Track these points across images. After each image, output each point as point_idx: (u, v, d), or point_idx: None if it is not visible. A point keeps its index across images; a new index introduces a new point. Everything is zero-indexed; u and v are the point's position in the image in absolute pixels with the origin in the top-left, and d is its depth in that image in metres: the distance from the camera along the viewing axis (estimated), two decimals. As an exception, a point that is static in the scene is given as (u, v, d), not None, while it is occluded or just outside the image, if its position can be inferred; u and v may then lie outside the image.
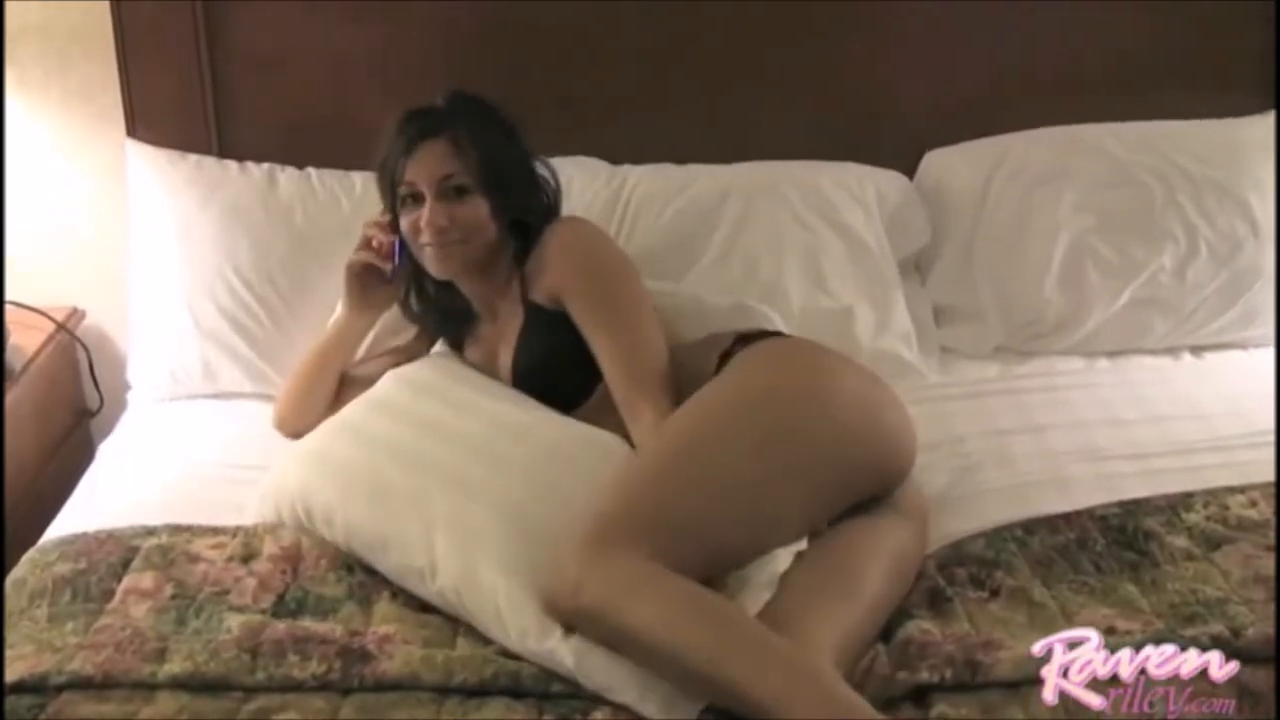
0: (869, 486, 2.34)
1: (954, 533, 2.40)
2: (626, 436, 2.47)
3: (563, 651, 2.02)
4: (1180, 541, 2.30)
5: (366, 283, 2.73)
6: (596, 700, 1.99)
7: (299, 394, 2.76)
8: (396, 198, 2.60)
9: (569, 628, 2.05)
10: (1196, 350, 3.12)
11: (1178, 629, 2.06)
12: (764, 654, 1.95)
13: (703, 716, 1.98)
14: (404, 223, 2.60)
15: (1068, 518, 2.39)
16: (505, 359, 2.63)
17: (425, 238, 2.56)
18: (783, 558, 2.19)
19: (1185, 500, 2.41)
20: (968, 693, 1.97)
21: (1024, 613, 2.16)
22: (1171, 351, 3.11)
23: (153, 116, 3.16)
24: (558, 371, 2.56)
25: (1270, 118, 3.19)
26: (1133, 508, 2.39)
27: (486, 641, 2.12)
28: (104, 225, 3.30)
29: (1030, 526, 2.37)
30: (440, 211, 2.54)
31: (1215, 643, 2.01)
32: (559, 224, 2.67)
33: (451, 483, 2.29)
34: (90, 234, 3.33)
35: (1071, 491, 2.49)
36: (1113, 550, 2.30)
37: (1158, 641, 2.01)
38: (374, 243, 2.69)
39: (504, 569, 2.13)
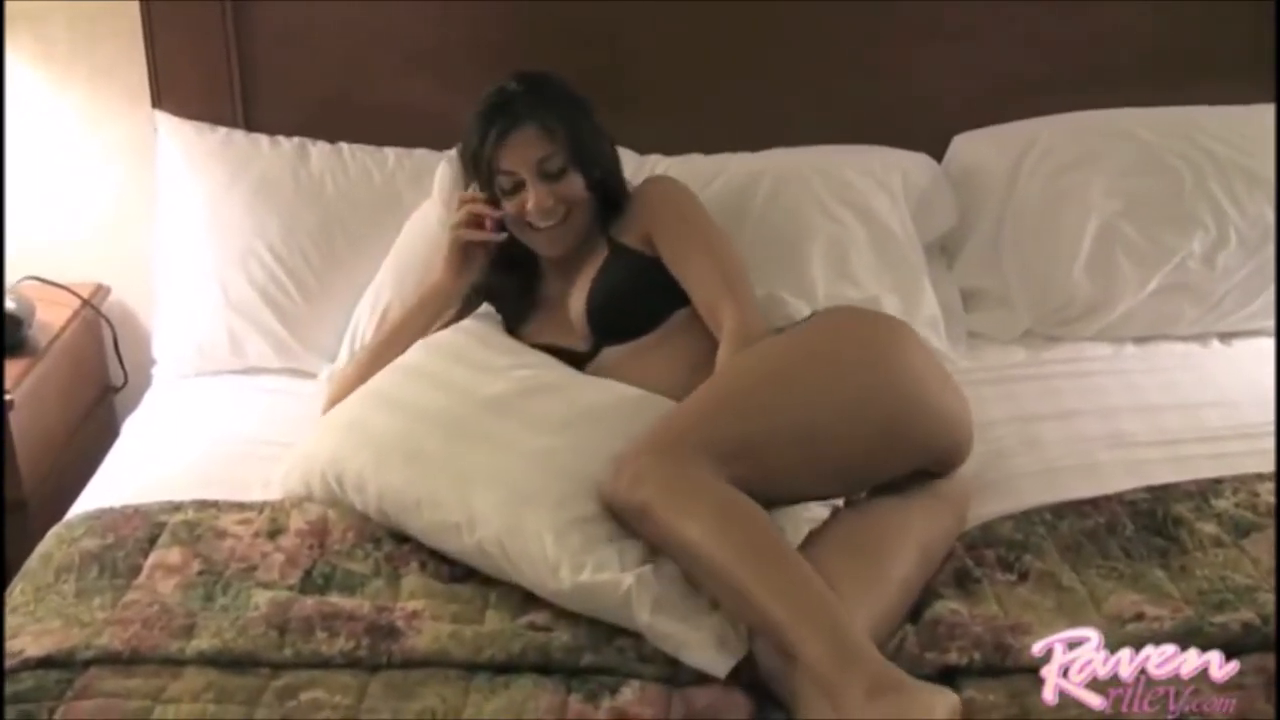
0: (917, 461, 2.37)
1: (982, 515, 2.39)
2: (685, 374, 2.50)
3: (624, 579, 2.04)
4: (1209, 528, 2.29)
5: (468, 252, 2.76)
6: (626, 676, 1.99)
7: (372, 363, 2.69)
8: (495, 186, 2.68)
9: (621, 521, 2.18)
10: (1225, 337, 3.09)
11: (1207, 616, 2.05)
12: (793, 588, 2.01)
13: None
14: (507, 207, 2.68)
15: (1096, 502, 2.38)
16: (579, 297, 2.69)
17: (533, 219, 2.65)
18: (818, 510, 2.24)
19: (1214, 487, 2.39)
20: (996, 677, 1.97)
21: (1052, 597, 2.15)
22: (1200, 338, 3.09)
23: (178, 92, 3.17)
24: (633, 296, 2.65)
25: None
26: (1162, 494, 2.38)
27: (515, 616, 2.12)
28: (129, 202, 3.31)
29: (1059, 510, 2.36)
30: (545, 193, 2.64)
31: (1245, 630, 2.00)
32: (651, 179, 2.87)
33: (487, 441, 2.30)
34: (115, 210, 3.34)
35: (1100, 477, 2.48)
36: (1141, 536, 2.29)
37: (1186, 629, 2.01)
38: (486, 222, 2.72)
39: (549, 512, 2.16)
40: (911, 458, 2.36)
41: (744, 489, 2.17)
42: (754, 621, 2.04)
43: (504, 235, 2.71)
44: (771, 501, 2.21)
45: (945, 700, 1.87)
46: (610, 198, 2.77)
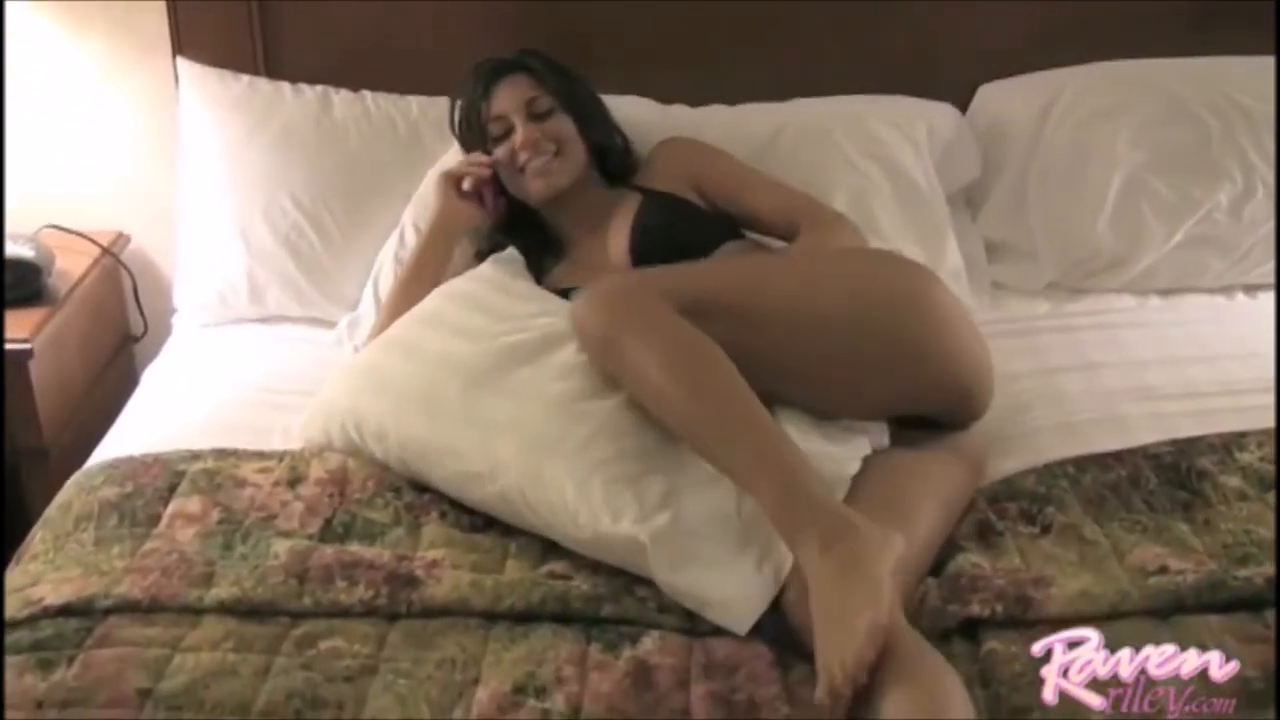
0: (931, 396, 2.36)
1: (1005, 468, 2.38)
2: None
3: (639, 531, 2.03)
4: (1233, 481, 2.27)
5: (460, 191, 2.79)
6: (646, 625, 1.99)
7: (397, 306, 2.70)
8: (488, 137, 2.77)
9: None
10: (1251, 290, 3.07)
11: (1230, 569, 2.04)
12: (747, 433, 2.06)
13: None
14: (499, 154, 2.75)
15: (1120, 455, 2.36)
16: (618, 239, 2.70)
17: (522, 158, 2.72)
18: (851, 462, 2.24)
19: (1239, 440, 2.37)
20: (1018, 629, 1.96)
21: (1075, 550, 2.14)
22: (1226, 290, 3.07)
23: (199, 39, 3.15)
24: (678, 228, 2.68)
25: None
26: (1186, 447, 2.36)
27: (535, 565, 2.13)
28: (149, 150, 3.30)
29: (1082, 464, 2.34)
30: (533, 128, 2.73)
31: (1269, 583, 2.00)
32: (670, 140, 2.89)
33: (507, 389, 2.27)
34: (135, 159, 3.33)
35: (1124, 430, 2.47)
36: (1165, 489, 2.27)
37: (1210, 583, 2.00)
38: (470, 183, 2.77)
39: (568, 458, 2.14)
40: (924, 388, 2.34)
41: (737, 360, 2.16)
42: (710, 461, 2.10)
43: (489, 173, 2.76)
44: (775, 395, 2.22)
45: (890, 549, 1.93)
46: (613, 160, 2.85)
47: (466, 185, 2.76)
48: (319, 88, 3.12)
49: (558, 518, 2.12)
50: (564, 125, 2.74)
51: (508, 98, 2.74)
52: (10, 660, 1.90)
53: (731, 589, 2.02)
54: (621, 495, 2.09)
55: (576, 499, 2.10)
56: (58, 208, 3.26)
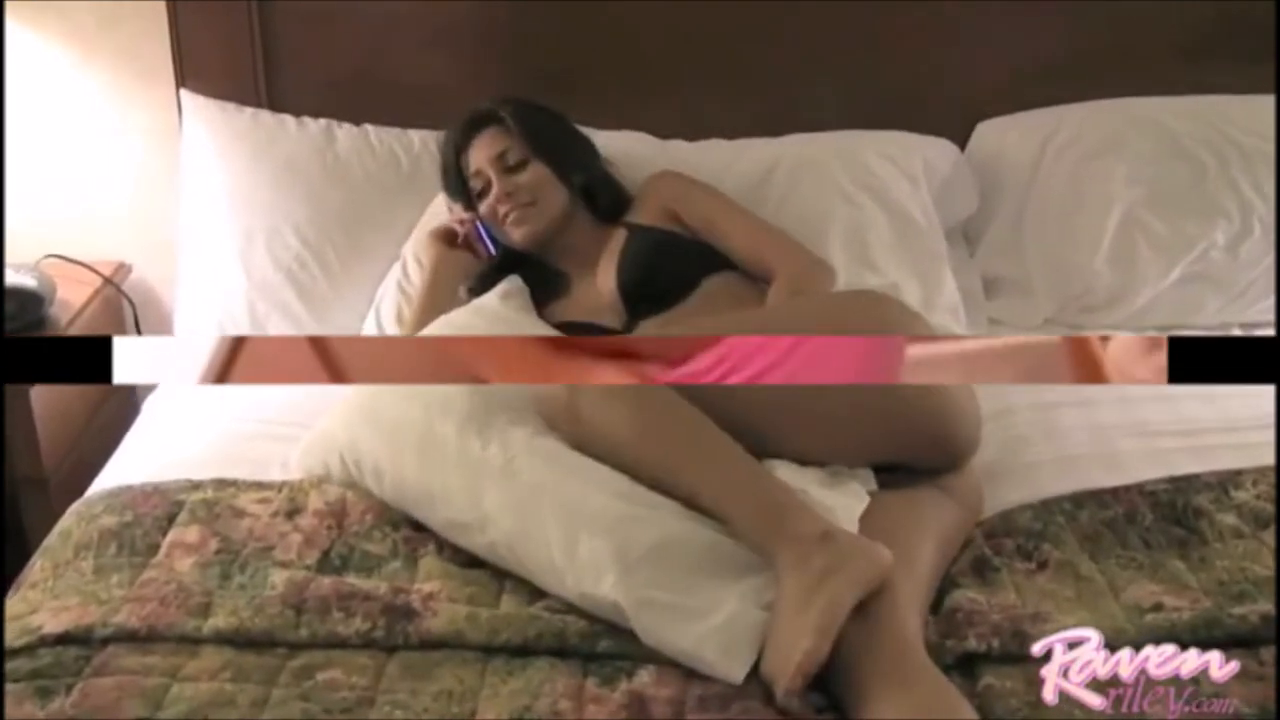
0: (916, 451, 2.34)
1: (1001, 503, 2.37)
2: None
3: (619, 597, 2.01)
4: (1229, 519, 2.27)
5: (447, 239, 2.89)
6: (642, 660, 1.98)
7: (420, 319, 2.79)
8: (471, 193, 2.86)
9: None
10: (1248, 327, 3.08)
11: (1226, 607, 2.04)
12: (705, 457, 2.15)
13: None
14: (482, 210, 2.83)
15: (1116, 492, 2.35)
16: (607, 276, 2.75)
17: (500, 211, 2.78)
18: (852, 510, 2.21)
19: (1235, 478, 2.37)
20: (1015, 664, 1.96)
21: (1071, 586, 2.14)
22: (1223, 328, 3.08)
23: (201, 70, 3.18)
24: (663, 264, 2.73)
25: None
26: (1182, 484, 2.36)
27: (531, 601, 2.12)
28: (151, 180, 3.32)
29: (1079, 500, 2.34)
30: (506, 182, 2.80)
31: (1264, 621, 1.99)
32: (659, 174, 2.94)
33: (498, 435, 2.28)
34: (138, 189, 3.35)
35: (1120, 466, 2.46)
36: (1161, 526, 2.27)
37: (1205, 620, 2.00)
38: (459, 238, 2.88)
39: (557, 517, 2.13)
40: (909, 449, 2.34)
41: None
42: (682, 496, 2.14)
43: (470, 217, 2.87)
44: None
45: (872, 563, 1.98)
46: (601, 198, 2.88)
47: (460, 242, 2.85)
48: (322, 121, 3.14)
49: (546, 575, 2.11)
50: (538, 173, 2.81)
51: (482, 154, 2.83)
52: (9, 689, 1.90)
53: (718, 644, 1.97)
54: (605, 550, 2.06)
55: (563, 557, 2.09)
56: (60, 237, 3.27)
